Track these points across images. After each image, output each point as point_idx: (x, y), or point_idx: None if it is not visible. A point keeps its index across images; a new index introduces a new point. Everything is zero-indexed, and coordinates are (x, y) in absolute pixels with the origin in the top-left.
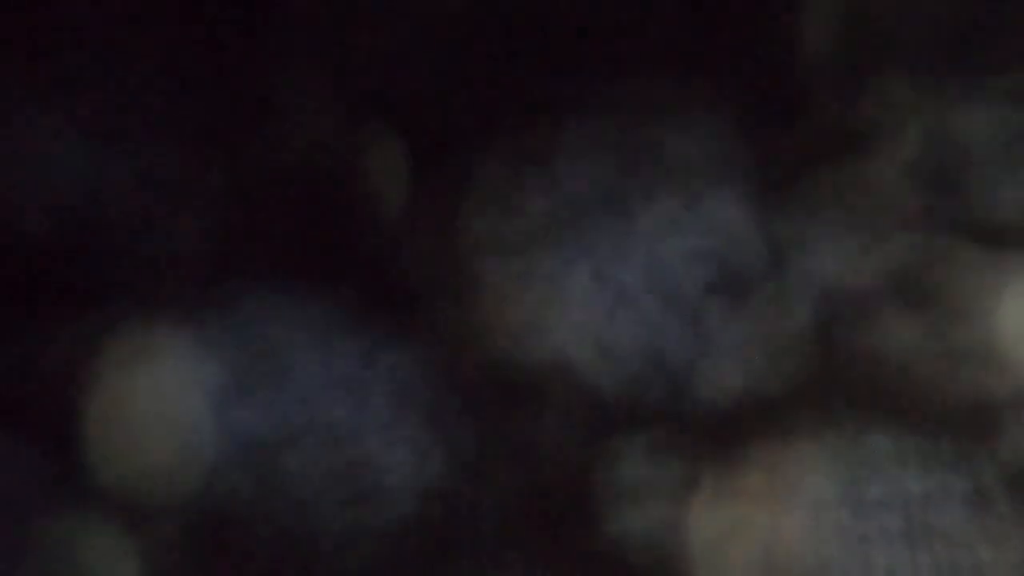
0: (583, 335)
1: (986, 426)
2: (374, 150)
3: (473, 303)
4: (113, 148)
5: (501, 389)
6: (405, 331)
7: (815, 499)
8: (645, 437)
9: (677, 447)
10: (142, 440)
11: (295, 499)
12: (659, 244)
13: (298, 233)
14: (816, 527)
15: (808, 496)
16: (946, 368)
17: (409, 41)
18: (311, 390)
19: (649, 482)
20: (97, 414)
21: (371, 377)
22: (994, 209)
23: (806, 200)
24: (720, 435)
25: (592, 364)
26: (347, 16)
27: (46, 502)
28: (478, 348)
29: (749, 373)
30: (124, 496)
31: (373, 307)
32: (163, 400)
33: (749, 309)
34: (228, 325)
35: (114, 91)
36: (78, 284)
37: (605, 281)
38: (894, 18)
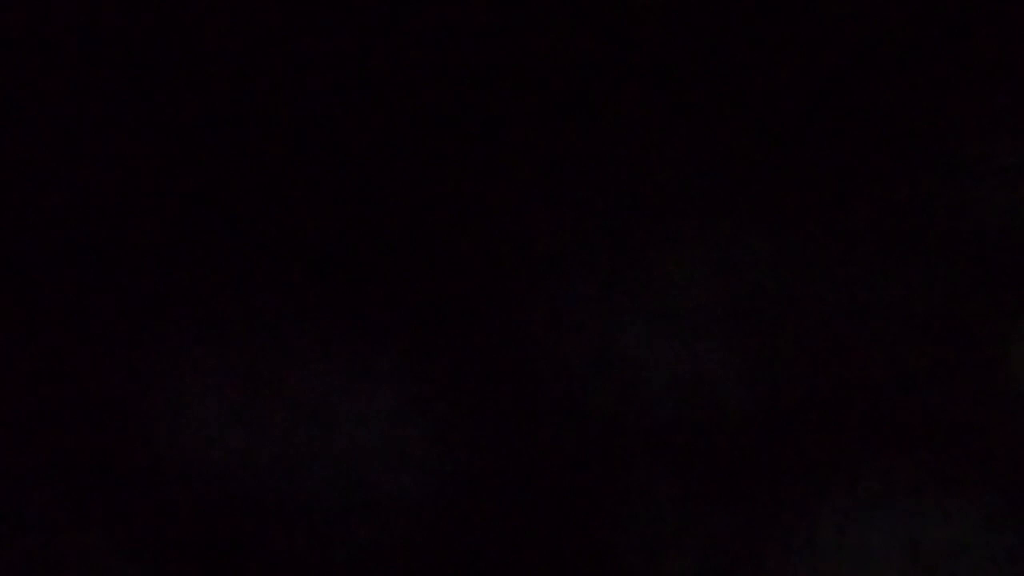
0: (591, 357)
1: (997, 457)
2: None
3: (488, 322)
4: None
5: (513, 410)
6: (416, 348)
7: (823, 534)
8: (655, 461)
9: (688, 472)
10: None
11: (300, 516)
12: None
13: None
14: (827, 557)
15: (817, 530)
16: (965, 403)
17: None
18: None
19: (660, 510)
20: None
21: (377, 391)
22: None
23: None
24: (732, 461)
25: (601, 388)
26: None
27: (57, 513)
28: (492, 368)
29: (761, 398)
30: (128, 508)
31: (382, 323)
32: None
33: (762, 333)
34: (237, 340)
35: None
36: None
37: (615, 305)
38: None
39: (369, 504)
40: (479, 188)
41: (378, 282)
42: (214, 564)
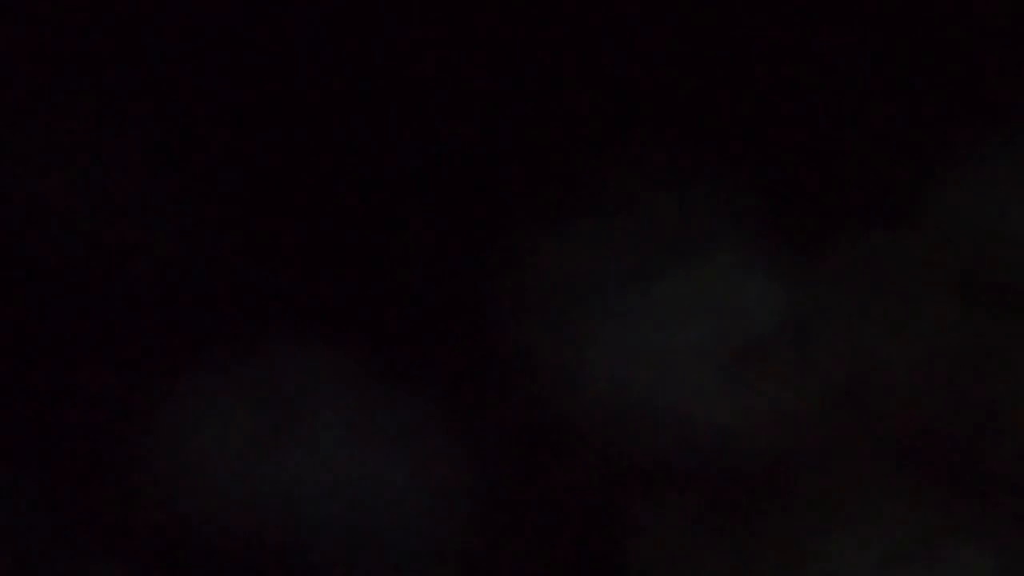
0: (605, 396)
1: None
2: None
3: (498, 359)
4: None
5: (525, 446)
6: (427, 387)
7: (838, 568)
8: (666, 500)
9: (699, 510)
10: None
11: (308, 559)
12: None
13: (316, 282)
14: None
15: (832, 565)
16: (978, 438)
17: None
18: (330, 443)
19: (670, 545)
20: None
21: (389, 429)
22: None
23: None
24: (743, 500)
25: (612, 426)
26: None
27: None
28: (502, 405)
29: (773, 440)
30: (135, 548)
31: (394, 359)
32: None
33: (773, 376)
34: (250, 376)
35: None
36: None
37: (626, 342)
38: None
39: (371, 536)
40: (480, 207)
41: (391, 323)
42: None
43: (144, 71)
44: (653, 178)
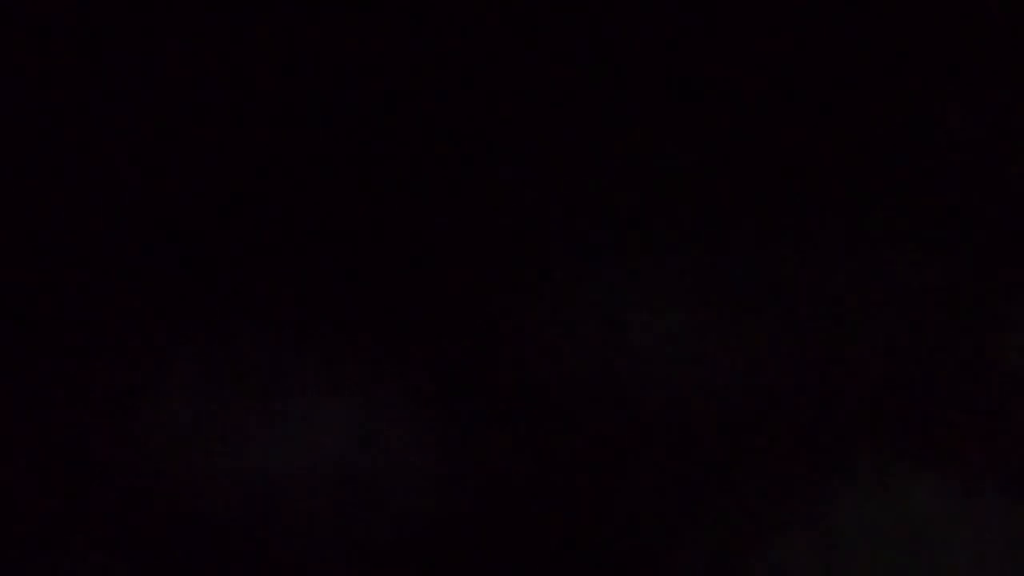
0: (590, 351)
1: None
2: None
3: (477, 336)
4: None
5: (516, 415)
6: (411, 346)
7: (827, 521)
8: (655, 455)
9: (685, 470)
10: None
11: (291, 535)
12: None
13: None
14: (828, 552)
15: (819, 518)
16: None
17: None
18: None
19: (660, 505)
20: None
21: (379, 399)
22: None
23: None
24: (729, 455)
25: (595, 398)
26: None
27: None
28: (488, 366)
29: (755, 394)
30: (120, 529)
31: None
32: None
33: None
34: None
35: None
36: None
37: (605, 315)
38: None
39: (362, 508)
40: (476, 180)
41: (369, 281)
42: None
43: (126, 52)
44: (629, 153)
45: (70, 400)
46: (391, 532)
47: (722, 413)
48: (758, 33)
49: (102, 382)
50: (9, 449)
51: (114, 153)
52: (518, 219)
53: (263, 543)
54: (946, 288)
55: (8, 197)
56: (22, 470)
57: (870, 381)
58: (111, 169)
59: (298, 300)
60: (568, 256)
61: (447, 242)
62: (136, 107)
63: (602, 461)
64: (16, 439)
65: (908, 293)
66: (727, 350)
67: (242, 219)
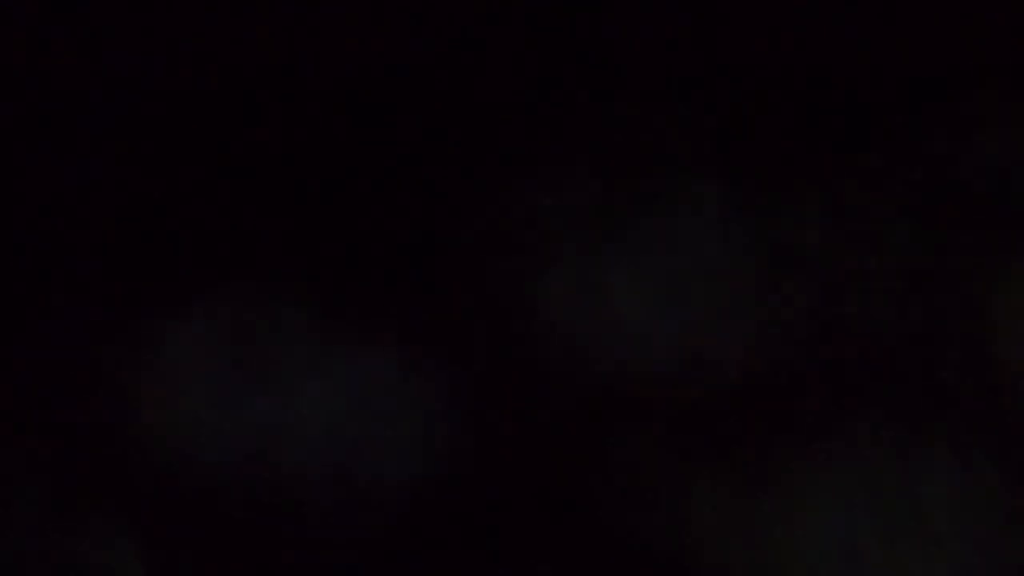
0: (584, 323)
1: (986, 415)
2: None
3: (470, 298)
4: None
5: (504, 387)
6: (407, 331)
7: (817, 491)
8: (646, 429)
9: (679, 440)
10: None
11: (290, 498)
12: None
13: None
14: (818, 522)
15: (810, 489)
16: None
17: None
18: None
19: (652, 475)
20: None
21: (371, 375)
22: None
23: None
24: (721, 426)
25: (587, 358)
26: None
27: (49, 499)
28: (485, 341)
29: (749, 361)
30: (122, 493)
31: (377, 306)
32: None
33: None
34: (227, 321)
35: None
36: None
37: (597, 276)
38: None
39: (362, 485)
40: (468, 157)
41: (369, 262)
42: (200, 552)
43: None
44: (618, 115)
45: (69, 368)
46: (389, 502)
47: (717, 393)
48: (751, 19)
49: (99, 345)
50: (9, 418)
51: (115, 122)
52: (508, 163)
53: (261, 509)
54: (942, 272)
55: (9, 165)
56: (21, 440)
57: (866, 360)
58: (112, 137)
59: (298, 270)
60: (558, 230)
61: (444, 215)
62: (141, 73)
63: (594, 434)
64: (15, 409)
65: (902, 275)
66: (719, 331)
67: (246, 184)
